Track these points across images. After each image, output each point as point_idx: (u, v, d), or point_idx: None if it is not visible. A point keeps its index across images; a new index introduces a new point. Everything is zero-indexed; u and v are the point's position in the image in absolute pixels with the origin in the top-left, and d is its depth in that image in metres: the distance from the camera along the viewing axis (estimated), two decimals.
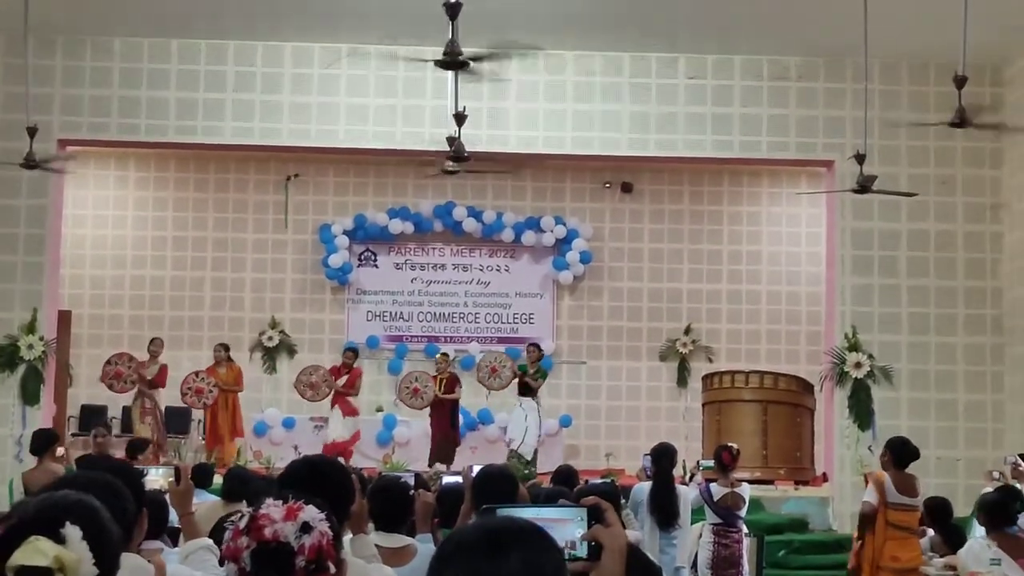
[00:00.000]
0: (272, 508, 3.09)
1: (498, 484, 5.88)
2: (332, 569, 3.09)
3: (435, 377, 18.51)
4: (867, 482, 10.60)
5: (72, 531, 2.64)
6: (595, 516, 2.60)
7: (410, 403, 18.45)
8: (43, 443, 12.28)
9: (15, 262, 17.55)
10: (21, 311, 17.37)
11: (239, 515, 3.12)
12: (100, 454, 13.34)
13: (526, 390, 18.18)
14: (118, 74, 17.83)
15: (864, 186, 14.76)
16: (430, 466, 17.10)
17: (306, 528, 3.07)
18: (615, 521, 2.62)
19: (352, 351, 19.22)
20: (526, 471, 16.66)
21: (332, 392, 18.42)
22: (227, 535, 3.11)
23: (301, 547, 3.04)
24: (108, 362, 18.01)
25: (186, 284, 21.34)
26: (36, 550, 2.59)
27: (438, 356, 19.24)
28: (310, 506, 3.12)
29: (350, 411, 18.44)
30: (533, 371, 18.31)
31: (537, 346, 19.02)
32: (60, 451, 14.35)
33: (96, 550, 2.67)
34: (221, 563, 3.18)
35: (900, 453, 10.45)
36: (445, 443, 18.16)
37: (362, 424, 19.03)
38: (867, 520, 10.37)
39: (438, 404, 18.29)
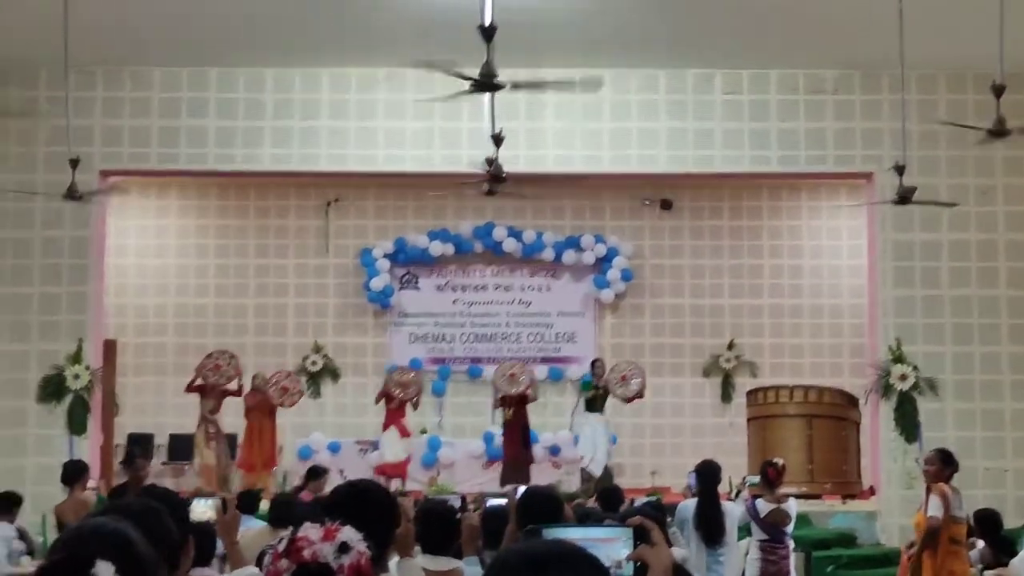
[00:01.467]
0: (310, 530, 3.11)
1: (543, 505, 5.88)
2: None
3: (505, 396, 18.52)
4: (928, 494, 10.40)
5: (104, 568, 2.58)
6: (641, 536, 2.61)
7: (506, 388, 18.33)
8: (73, 474, 12.35)
9: (60, 293, 17.69)
10: (67, 341, 17.50)
11: (279, 539, 3.16)
12: (138, 482, 13.30)
13: (593, 406, 18.22)
14: (157, 104, 17.97)
15: (904, 197, 14.68)
16: (502, 486, 17.02)
17: (344, 548, 3.09)
18: (660, 541, 2.63)
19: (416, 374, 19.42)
20: (573, 491, 16.67)
21: (385, 414, 18.57)
22: (267, 559, 3.14)
23: (340, 567, 3.07)
24: (209, 355, 18.04)
25: (229, 311, 21.44)
26: None
27: (511, 374, 19.23)
28: (347, 527, 3.14)
29: (405, 432, 18.53)
30: (598, 385, 18.37)
31: (601, 360, 19.00)
32: (92, 482, 14.44)
33: None
34: None
35: (950, 464, 10.35)
36: (517, 463, 18.13)
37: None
38: (933, 535, 10.18)
39: (510, 424, 18.30)
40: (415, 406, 18.78)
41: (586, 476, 17.69)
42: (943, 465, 10.32)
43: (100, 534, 2.77)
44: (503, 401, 18.49)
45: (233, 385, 17.95)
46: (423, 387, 18.75)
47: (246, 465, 18.11)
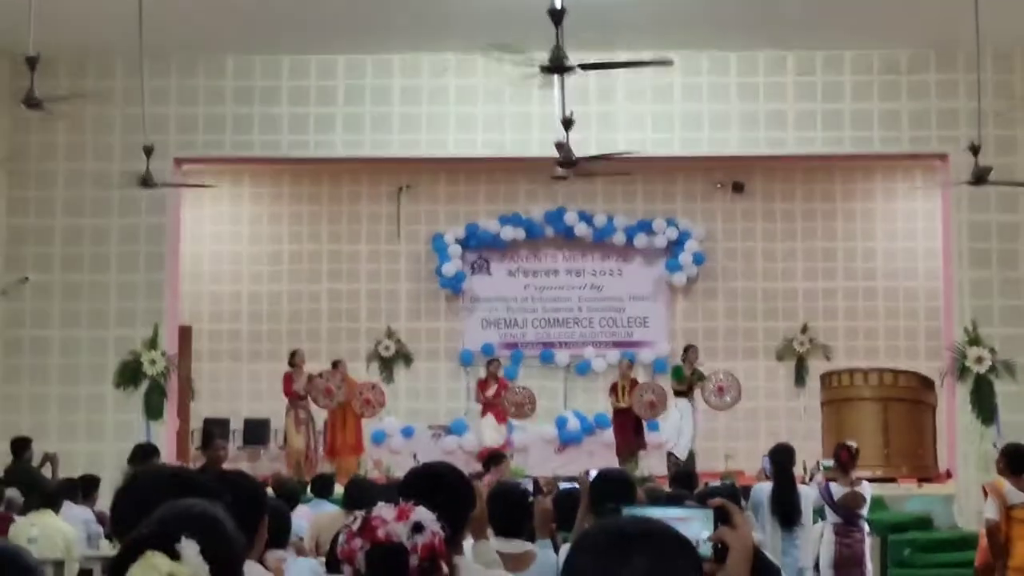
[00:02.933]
0: (384, 509, 3.13)
1: (615, 487, 5.89)
2: (445, 569, 3.12)
3: (616, 384, 18.59)
4: (986, 495, 10.28)
5: (188, 546, 2.61)
6: (722, 518, 2.60)
7: (647, 414, 18.41)
8: (141, 456, 12.46)
9: (136, 280, 17.87)
10: (143, 328, 17.68)
11: (353, 519, 3.18)
12: (216, 463, 13.32)
13: (681, 391, 18.22)
14: (231, 92, 18.10)
15: (980, 178, 14.51)
16: None
17: (418, 528, 3.10)
18: (742, 523, 2.62)
19: (495, 361, 19.50)
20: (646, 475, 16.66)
21: (482, 403, 19.04)
22: (341, 538, 3.16)
23: (414, 546, 3.08)
24: (320, 375, 18.18)
25: (303, 297, 21.59)
26: (150, 566, 2.57)
27: (623, 362, 19.27)
28: (421, 507, 3.16)
29: (502, 418, 18.71)
30: (690, 373, 18.31)
31: (695, 347, 18.93)
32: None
33: (216, 562, 2.65)
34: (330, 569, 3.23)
35: (1014, 459, 10.20)
36: (628, 450, 18.17)
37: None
38: (994, 535, 10.08)
39: (621, 410, 18.34)
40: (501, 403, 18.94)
41: (673, 460, 17.68)
42: (1007, 460, 10.21)
43: (190, 514, 2.80)
44: (613, 388, 18.53)
45: (298, 386, 18.09)
46: (535, 403, 18.91)
47: (332, 451, 18.25)
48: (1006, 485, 10.01)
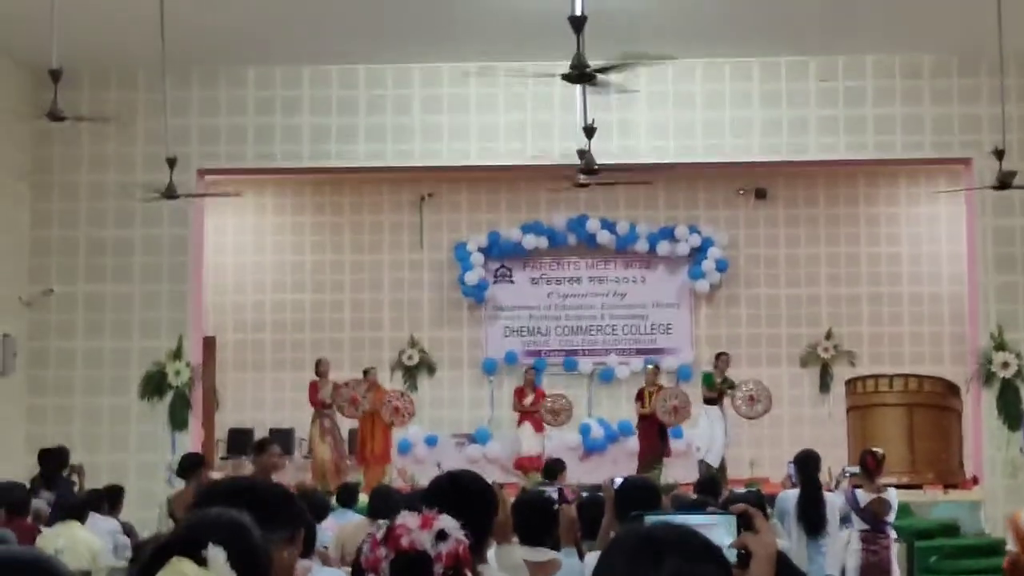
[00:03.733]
0: (408, 518, 3.13)
1: (640, 494, 5.88)
2: None
3: (643, 390, 18.52)
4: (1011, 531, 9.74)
5: (216, 552, 2.62)
6: (745, 523, 2.59)
7: (671, 420, 18.36)
8: (190, 466, 12.48)
9: (160, 291, 17.93)
10: (167, 339, 17.73)
11: (377, 527, 3.17)
12: (267, 472, 12.94)
13: (711, 399, 18.14)
14: (252, 102, 18.15)
15: (1004, 182, 14.48)
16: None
17: (442, 536, 3.10)
18: (765, 528, 2.61)
19: (532, 369, 19.46)
20: (671, 482, 16.64)
21: (519, 412, 19.01)
22: (365, 547, 3.15)
23: (439, 555, 3.07)
24: (346, 384, 18.08)
25: (326, 307, 21.62)
26: (178, 572, 2.58)
27: (649, 368, 19.18)
28: (445, 515, 3.15)
29: (540, 427, 18.69)
30: (720, 380, 18.24)
31: (726, 354, 18.82)
32: (216, 474, 14.54)
33: (242, 570, 2.65)
34: None
35: None
36: (653, 456, 18.11)
37: (505, 439, 19.37)
38: (1014, 570, 9.85)
39: (645, 416, 18.29)
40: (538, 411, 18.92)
41: (704, 467, 17.61)
42: None
43: (218, 522, 2.81)
44: (640, 395, 18.46)
45: (324, 395, 18.04)
46: (572, 411, 18.91)
47: (361, 460, 18.23)
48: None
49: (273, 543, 3.37)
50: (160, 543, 2.68)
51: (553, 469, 13.61)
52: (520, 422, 18.95)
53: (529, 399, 18.84)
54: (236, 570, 2.64)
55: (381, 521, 3.22)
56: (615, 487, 6.25)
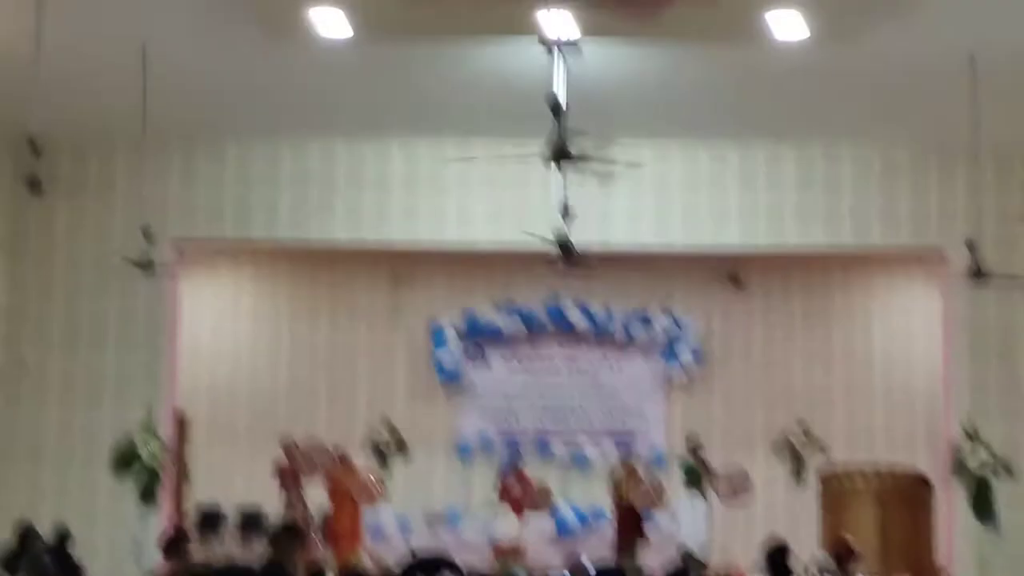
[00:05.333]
0: None
1: None
2: None
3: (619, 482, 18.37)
4: None
5: None
6: None
7: (644, 503, 18.19)
8: (175, 543, 12.35)
9: (134, 363, 17.85)
10: (140, 413, 17.59)
11: None
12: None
13: (692, 484, 18.03)
14: (231, 176, 18.18)
15: (979, 275, 14.54)
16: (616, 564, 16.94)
17: None
18: None
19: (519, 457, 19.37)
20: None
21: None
22: None
23: None
24: (297, 447, 17.93)
25: (301, 385, 21.51)
26: None
27: (624, 462, 19.01)
28: None
29: (521, 512, 18.51)
30: (699, 465, 18.15)
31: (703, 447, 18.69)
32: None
33: None
34: None
35: None
36: (629, 544, 17.89)
37: (477, 523, 19.22)
38: None
39: (621, 505, 18.09)
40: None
41: (686, 555, 17.41)
42: None
43: None
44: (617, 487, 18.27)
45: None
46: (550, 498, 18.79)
47: (333, 541, 18.03)
48: None
49: None
50: None
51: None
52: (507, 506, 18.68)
53: (516, 489, 18.64)
54: None
55: None
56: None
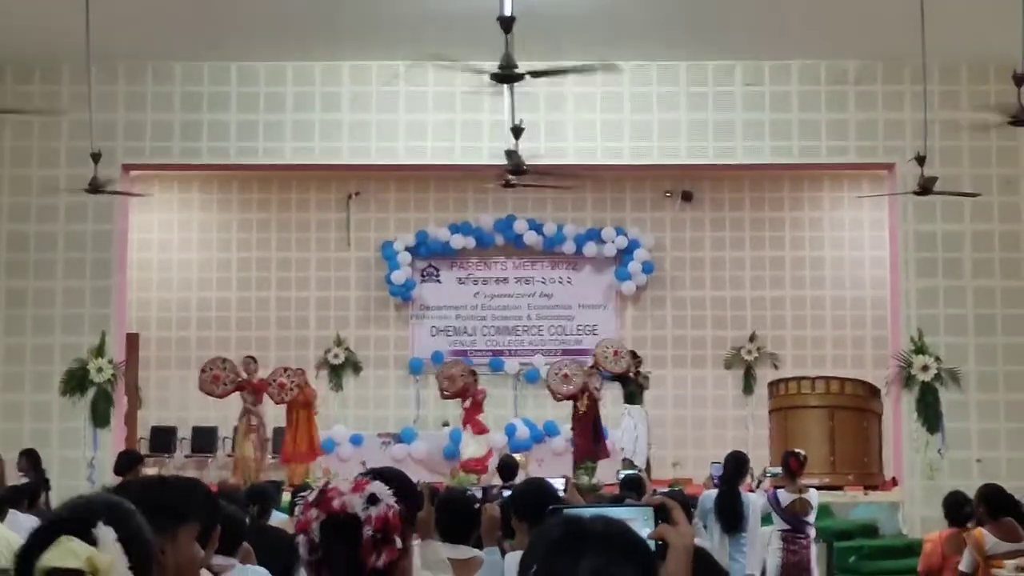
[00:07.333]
0: (341, 482, 3.18)
1: (534, 499, 5.88)
2: (399, 543, 3.14)
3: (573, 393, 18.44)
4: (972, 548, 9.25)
5: (105, 532, 2.56)
6: (662, 515, 2.63)
7: (559, 388, 18.24)
8: (127, 464, 12.38)
9: (83, 287, 17.77)
10: (90, 335, 17.57)
11: (310, 490, 3.21)
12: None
13: (633, 398, 18.15)
14: (179, 98, 18.03)
15: (926, 188, 14.66)
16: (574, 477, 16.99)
17: (373, 500, 3.14)
18: (682, 520, 2.64)
19: (472, 372, 19.23)
20: (592, 482, 16.71)
21: (462, 413, 18.62)
22: (298, 509, 3.20)
23: (368, 517, 3.11)
24: (203, 370, 17.86)
25: (252, 304, 21.51)
26: (68, 551, 2.51)
27: (586, 369, 18.99)
28: (377, 481, 3.19)
29: (480, 429, 18.54)
30: (635, 375, 18.28)
31: (640, 358, 18.80)
32: (150, 471, 14.41)
33: (130, 554, 2.60)
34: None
35: (994, 503, 9.40)
36: (585, 456, 18.02)
37: (431, 439, 19.33)
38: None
39: (581, 418, 18.17)
40: (477, 401, 18.65)
41: (629, 467, 17.61)
42: (986, 506, 9.37)
43: (102, 503, 2.76)
44: (573, 396, 18.28)
45: (249, 395, 17.85)
46: (475, 379, 18.59)
47: (287, 457, 18.09)
48: (985, 535, 9.18)
49: (181, 533, 3.40)
50: (46, 522, 2.63)
51: (510, 468, 13.50)
52: (464, 424, 18.68)
53: (468, 402, 18.66)
54: (125, 552, 2.59)
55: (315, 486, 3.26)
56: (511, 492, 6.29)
